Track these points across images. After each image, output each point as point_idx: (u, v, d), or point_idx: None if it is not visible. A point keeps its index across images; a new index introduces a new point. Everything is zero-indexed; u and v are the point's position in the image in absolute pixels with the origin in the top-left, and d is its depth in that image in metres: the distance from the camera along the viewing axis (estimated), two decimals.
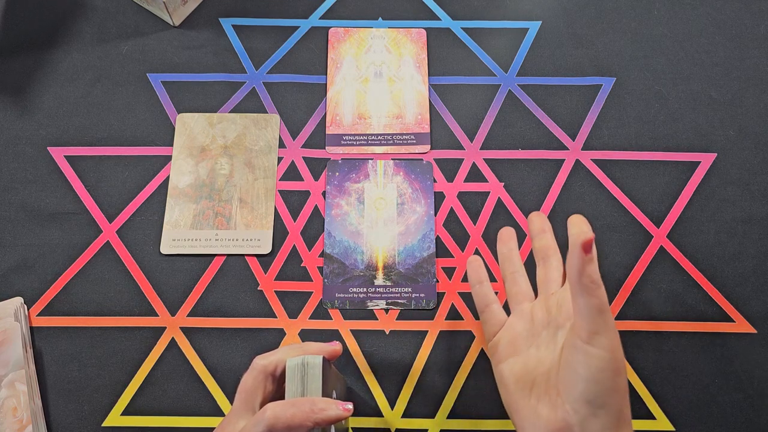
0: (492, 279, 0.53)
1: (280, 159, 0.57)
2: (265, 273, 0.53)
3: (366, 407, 0.49)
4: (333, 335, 0.51)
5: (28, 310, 0.51)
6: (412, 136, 0.58)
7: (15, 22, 0.62)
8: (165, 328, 0.51)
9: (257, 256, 0.54)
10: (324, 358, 0.36)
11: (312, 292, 0.53)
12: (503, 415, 0.49)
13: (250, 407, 0.36)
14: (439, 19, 0.63)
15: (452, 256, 0.54)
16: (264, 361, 0.37)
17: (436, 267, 0.53)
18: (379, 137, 0.58)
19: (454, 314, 0.52)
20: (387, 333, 0.51)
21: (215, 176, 0.56)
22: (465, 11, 0.64)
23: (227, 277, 0.53)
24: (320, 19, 0.63)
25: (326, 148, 0.58)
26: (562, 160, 0.57)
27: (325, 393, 0.36)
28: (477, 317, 0.52)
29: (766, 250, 0.54)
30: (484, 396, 0.49)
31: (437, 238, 0.54)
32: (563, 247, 0.38)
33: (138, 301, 0.52)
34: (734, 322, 0.52)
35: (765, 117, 0.59)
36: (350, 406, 0.35)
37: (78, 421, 0.48)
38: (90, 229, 0.54)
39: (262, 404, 0.37)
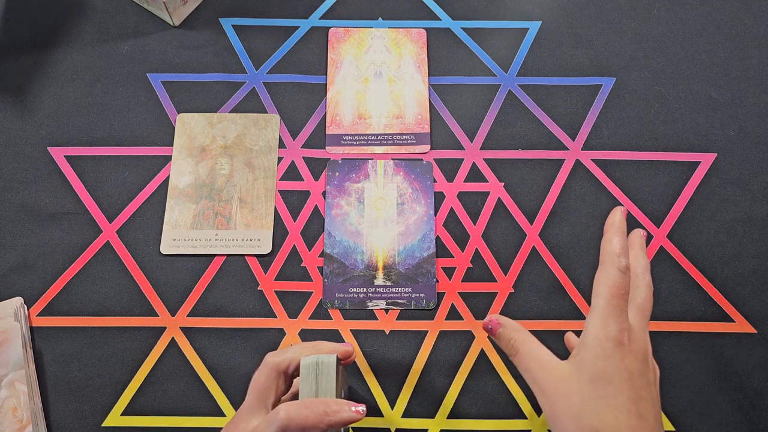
0: (491, 279, 0.53)
1: (280, 159, 0.57)
2: (265, 273, 0.53)
3: (366, 407, 0.49)
4: (333, 335, 0.51)
5: (28, 310, 0.51)
6: (412, 136, 0.58)
7: (15, 22, 0.62)
8: (165, 328, 0.51)
9: (257, 256, 0.54)
10: (337, 357, 0.36)
11: (312, 292, 0.53)
12: (503, 415, 0.49)
13: (263, 405, 0.36)
14: (439, 19, 0.63)
15: (452, 256, 0.54)
16: (276, 359, 0.37)
17: (436, 267, 0.53)
18: (379, 137, 0.58)
19: (454, 314, 0.52)
20: (387, 333, 0.51)
21: (215, 176, 0.56)
22: (465, 11, 0.64)
23: (227, 277, 0.53)
24: (320, 19, 0.63)
25: (326, 148, 0.58)
26: (562, 160, 0.57)
27: (338, 393, 0.36)
28: (477, 317, 0.52)
29: (766, 250, 0.54)
30: (484, 396, 0.49)
31: (437, 238, 0.54)
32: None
33: (138, 301, 0.52)
34: (734, 322, 0.52)
35: (765, 117, 0.59)
36: (363, 408, 0.35)
37: (78, 421, 0.48)
38: (90, 229, 0.54)
39: (275, 402, 0.36)
